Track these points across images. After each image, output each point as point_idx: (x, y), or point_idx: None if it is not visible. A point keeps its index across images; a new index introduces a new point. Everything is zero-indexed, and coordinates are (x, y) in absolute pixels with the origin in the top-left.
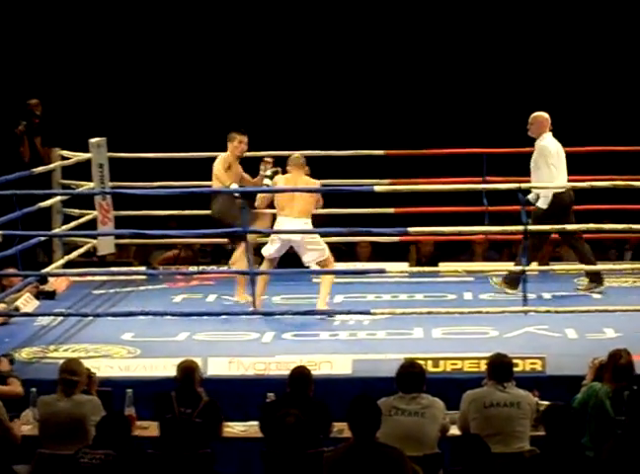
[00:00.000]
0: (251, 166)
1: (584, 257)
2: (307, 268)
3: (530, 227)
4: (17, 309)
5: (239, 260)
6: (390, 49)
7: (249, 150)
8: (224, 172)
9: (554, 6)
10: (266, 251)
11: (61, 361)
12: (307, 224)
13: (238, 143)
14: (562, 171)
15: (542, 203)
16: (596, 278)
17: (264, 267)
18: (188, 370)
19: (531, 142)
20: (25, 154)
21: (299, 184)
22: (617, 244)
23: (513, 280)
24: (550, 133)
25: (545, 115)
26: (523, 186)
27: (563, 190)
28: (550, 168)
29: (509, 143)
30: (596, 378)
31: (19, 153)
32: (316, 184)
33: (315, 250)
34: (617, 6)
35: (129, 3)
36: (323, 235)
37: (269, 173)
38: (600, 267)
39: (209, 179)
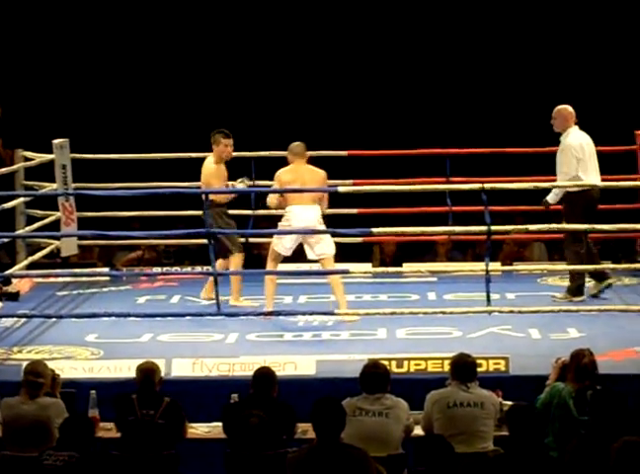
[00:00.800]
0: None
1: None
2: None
3: (494, 227)
4: None
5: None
6: (352, 51)
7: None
8: (216, 176)
9: (534, 5)
10: (280, 248)
11: (25, 363)
12: (320, 211)
13: (224, 147)
14: (589, 166)
15: (550, 199)
16: (576, 291)
17: (270, 265)
18: (147, 372)
19: (494, 143)
20: None
21: (304, 172)
22: None
23: (576, 289)
24: (576, 127)
25: (569, 108)
26: (487, 186)
27: (599, 184)
28: (572, 163)
29: (472, 143)
30: (559, 378)
31: None
32: (320, 172)
33: (325, 242)
34: (613, 4)
35: (91, 1)
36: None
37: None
38: (559, 267)
39: (172, 179)
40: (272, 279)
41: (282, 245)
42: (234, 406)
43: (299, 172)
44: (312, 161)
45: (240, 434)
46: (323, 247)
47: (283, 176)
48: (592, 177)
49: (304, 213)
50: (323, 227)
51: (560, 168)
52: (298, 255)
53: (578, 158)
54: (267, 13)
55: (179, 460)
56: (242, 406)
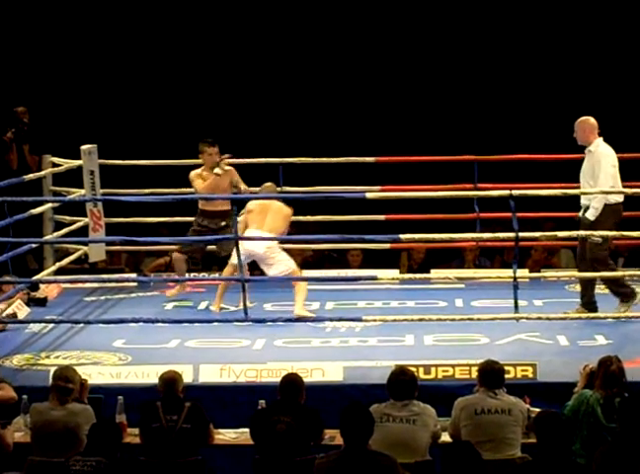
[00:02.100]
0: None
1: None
2: None
3: (522, 234)
4: (14, 316)
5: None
6: (381, 57)
7: (242, 157)
8: (200, 183)
9: (562, 11)
10: (233, 257)
11: (53, 369)
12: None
13: (208, 156)
14: (619, 179)
15: (590, 215)
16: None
17: (227, 270)
18: (170, 381)
19: (522, 149)
20: (12, 162)
21: (272, 208)
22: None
23: (628, 295)
24: (601, 139)
25: (590, 120)
26: (515, 192)
27: (621, 200)
28: (608, 173)
29: (500, 150)
30: (587, 385)
31: (6, 161)
32: (286, 209)
33: (279, 263)
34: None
35: (122, 9)
36: (315, 242)
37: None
38: (587, 274)
39: None
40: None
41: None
42: (262, 412)
43: (267, 206)
44: (341, 167)
45: (268, 441)
46: (279, 268)
47: (250, 205)
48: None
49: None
50: (274, 254)
51: (596, 180)
52: (324, 261)
53: (615, 167)
54: (291, 20)
55: (205, 466)
56: (270, 412)
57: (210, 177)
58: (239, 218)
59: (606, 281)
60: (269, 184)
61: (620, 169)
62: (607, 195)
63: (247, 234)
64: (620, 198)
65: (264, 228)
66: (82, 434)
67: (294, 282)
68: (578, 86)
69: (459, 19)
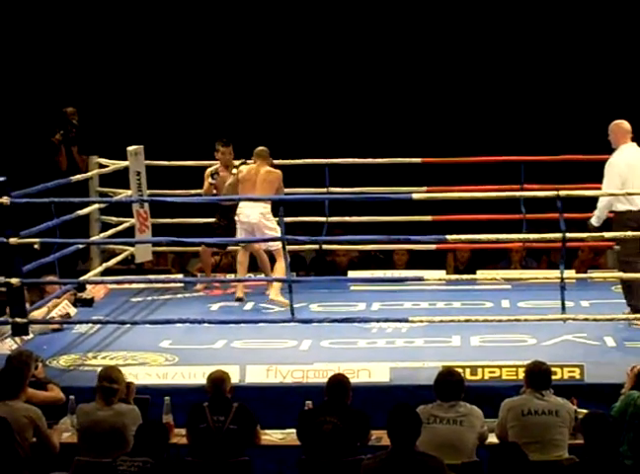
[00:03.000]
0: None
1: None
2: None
3: (569, 235)
4: (68, 316)
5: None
6: (428, 59)
7: (286, 158)
8: (206, 180)
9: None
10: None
11: (99, 369)
12: (266, 208)
13: (221, 155)
14: (632, 185)
15: (593, 220)
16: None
17: (240, 255)
18: (217, 381)
19: (569, 150)
20: (62, 163)
21: (259, 176)
22: None
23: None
24: (630, 144)
25: (622, 124)
26: (562, 193)
27: (633, 207)
28: (612, 182)
29: (547, 151)
30: (634, 387)
31: (56, 162)
32: (278, 174)
33: (271, 235)
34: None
35: (168, 15)
36: (361, 243)
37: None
38: (634, 275)
39: None
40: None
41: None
42: (309, 413)
43: (255, 171)
44: (387, 168)
45: (314, 441)
46: (270, 242)
47: (240, 174)
48: (636, 199)
49: (248, 210)
50: (269, 223)
51: (603, 186)
52: (370, 262)
53: (622, 177)
54: (326, 20)
55: (251, 466)
56: (316, 413)
57: (225, 172)
58: (229, 180)
59: (624, 288)
60: (261, 148)
61: None
62: (612, 201)
63: (240, 206)
64: (633, 207)
65: (254, 192)
66: (129, 435)
67: (277, 261)
68: (623, 87)
69: (499, 17)
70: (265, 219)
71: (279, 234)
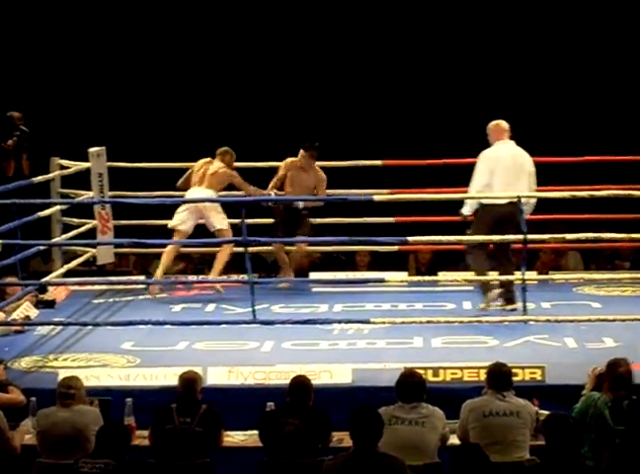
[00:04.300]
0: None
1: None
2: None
3: (530, 236)
4: (28, 318)
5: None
6: (387, 60)
7: (252, 161)
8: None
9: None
10: (182, 226)
11: (61, 371)
12: (213, 194)
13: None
14: (503, 181)
15: (465, 210)
16: (509, 298)
17: (175, 238)
18: (190, 381)
19: (533, 151)
20: (9, 168)
21: (211, 167)
22: (616, 254)
23: (509, 296)
24: (504, 141)
25: (500, 123)
26: (522, 195)
27: (498, 201)
28: (481, 175)
29: None
30: (595, 388)
31: (2, 168)
32: (226, 173)
33: (219, 215)
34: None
35: (126, 10)
36: (323, 244)
37: None
38: (595, 276)
39: None
40: (171, 251)
41: (183, 222)
42: (271, 414)
43: (207, 164)
44: (350, 171)
45: (276, 443)
46: (219, 219)
47: (195, 165)
48: (501, 191)
49: (195, 194)
50: (214, 209)
51: (473, 178)
52: (332, 264)
53: (490, 170)
54: (289, 29)
55: (213, 468)
56: (278, 414)
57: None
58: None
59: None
60: (223, 148)
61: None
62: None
63: (189, 191)
64: (498, 201)
65: (203, 185)
66: (90, 436)
67: (221, 249)
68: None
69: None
70: (210, 205)
71: (225, 219)
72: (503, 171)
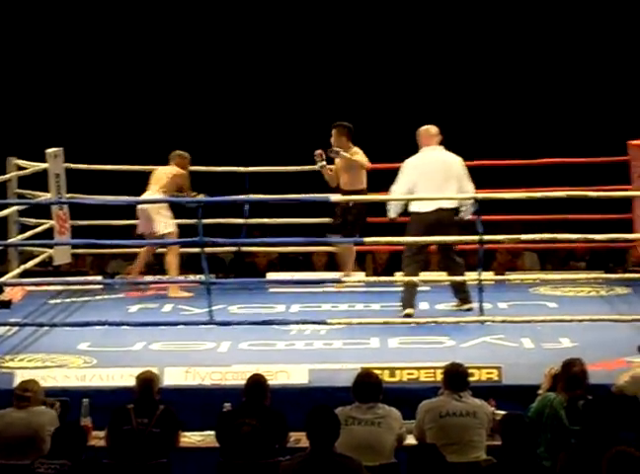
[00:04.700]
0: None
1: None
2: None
3: (486, 237)
4: None
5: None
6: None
7: (209, 165)
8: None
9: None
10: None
11: (17, 371)
12: (157, 194)
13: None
14: (426, 188)
15: (390, 214)
16: (464, 298)
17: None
18: (147, 382)
19: (487, 154)
20: None
21: (161, 169)
22: (572, 255)
23: (464, 296)
24: (432, 147)
25: (428, 128)
26: (479, 196)
27: (423, 209)
28: (402, 181)
29: (465, 155)
30: (551, 388)
31: None
32: (172, 174)
33: (161, 221)
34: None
35: (83, 10)
36: (280, 244)
37: (318, 165)
38: (551, 276)
39: None
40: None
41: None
42: (227, 414)
43: (159, 168)
44: (304, 175)
45: (233, 443)
46: (160, 225)
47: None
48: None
49: (145, 196)
50: (157, 211)
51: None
52: (290, 264)
53: (412, 179)
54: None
55: (170, 469)
56: (235, 414)
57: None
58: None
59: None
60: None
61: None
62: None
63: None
64: (425, 208)
65: (150, 188)
66: (45, 437)
67: (168, 255)
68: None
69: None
70: (152, 207)
71: (170, 221)
72: (428, 177)
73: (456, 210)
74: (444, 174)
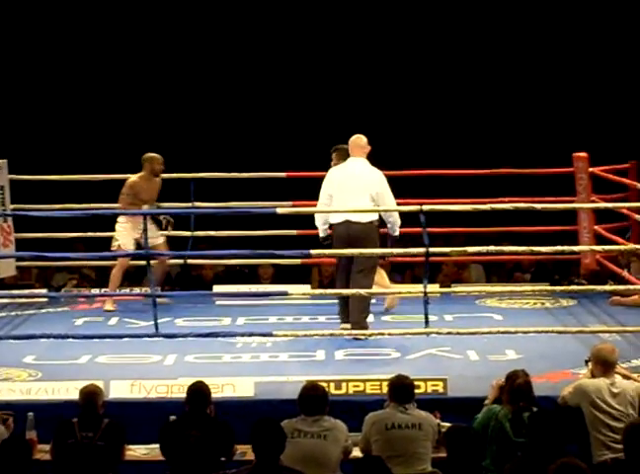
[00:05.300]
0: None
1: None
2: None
3: (432, 249)
4: None
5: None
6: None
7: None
8: None
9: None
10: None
11: None
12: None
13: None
14: (338, 200)
15: (320, 235)
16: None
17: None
18: (90, 395)
19: (432, 164)
20: None
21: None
22: (517, 267)
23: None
24: (354, 158)
25: (356, 138)
26: (425, 207)
27: (335, 221)
28: (320, 194)
29: (410, 165)
30: (497, 400)
31: None
32: (130, 180)
33: (116, 232)
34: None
35: (28, 21)
36: (226, 257)
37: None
38: (497, 288)
39: (111, 201)
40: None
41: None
42: (171, 425)
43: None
44: (252, 182)
45: (178, 455)
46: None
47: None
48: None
49: None
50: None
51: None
52: (235, 277)
53: (326, 188)
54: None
55: None
56: (179, 425)
57: None
58: None
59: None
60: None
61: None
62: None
63: None
64: (335, 220)
65: None
66: None
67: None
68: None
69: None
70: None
71: (122, 232)
72: (341, 190)
73: (372, 224)
74: (358, 189)
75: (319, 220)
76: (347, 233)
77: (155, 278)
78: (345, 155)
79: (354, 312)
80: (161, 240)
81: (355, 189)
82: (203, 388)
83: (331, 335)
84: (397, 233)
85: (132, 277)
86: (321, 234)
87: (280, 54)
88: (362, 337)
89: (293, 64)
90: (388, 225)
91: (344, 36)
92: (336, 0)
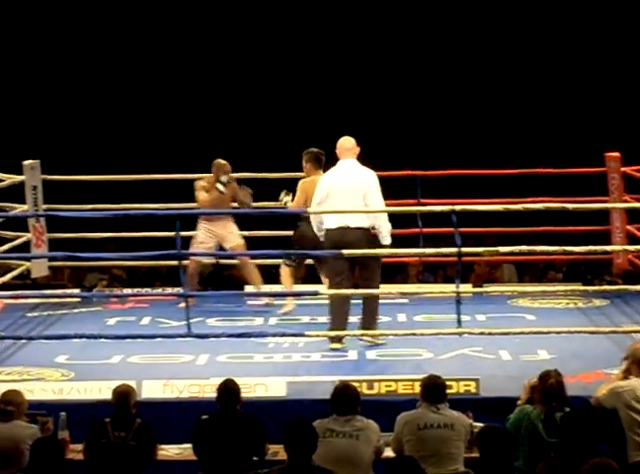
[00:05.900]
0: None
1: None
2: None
3: (464, 249)
4: None
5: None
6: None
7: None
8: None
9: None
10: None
11: None
12: None
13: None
14: (332, 203)
15: (321, 239)
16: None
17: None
18: (123, 395)
19: (464, 164)
20: None
21: None
22: (549, 266)
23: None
24: (345, 160)
25: (344, 141)
26: (457, 208)
27: (329, 226)
28: (317, 196)
29: (442, 165)
30: (529, 400)
31: None
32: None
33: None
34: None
35: (60, 23)
36: (256, 257)
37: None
38: (529, 288)
39: (143, 201)
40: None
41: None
42: (203, 424)
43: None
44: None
45: (211, 454)
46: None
47: None
48: (329, 217)
49: None
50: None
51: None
52: (266, 277)
53: (319, 192)
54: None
55: None
56: (211, 423)
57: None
58: None
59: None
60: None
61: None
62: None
63: None
64: (329, 225)
65: None
66: (25, 450)
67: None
68: (516, 103)
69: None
70: None
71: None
72: (335, 193)
73: (368, 230)
74: (351, 191)
75: (315, 226)
76: (341, 239)
77: (190, 279)
78: (314, 159)
79: (369, 318)
80: (240, 241)
81: (351, 191)
82: (233, 386)
83: (362, 334)
84: (388, 241)
85: (165, 278)
86: (322, 239)
87: (280, 54)
88: (381, 340)
89: (293, 65)
90: (376, 230)
91: (361, 38)
92: (339, 2)
